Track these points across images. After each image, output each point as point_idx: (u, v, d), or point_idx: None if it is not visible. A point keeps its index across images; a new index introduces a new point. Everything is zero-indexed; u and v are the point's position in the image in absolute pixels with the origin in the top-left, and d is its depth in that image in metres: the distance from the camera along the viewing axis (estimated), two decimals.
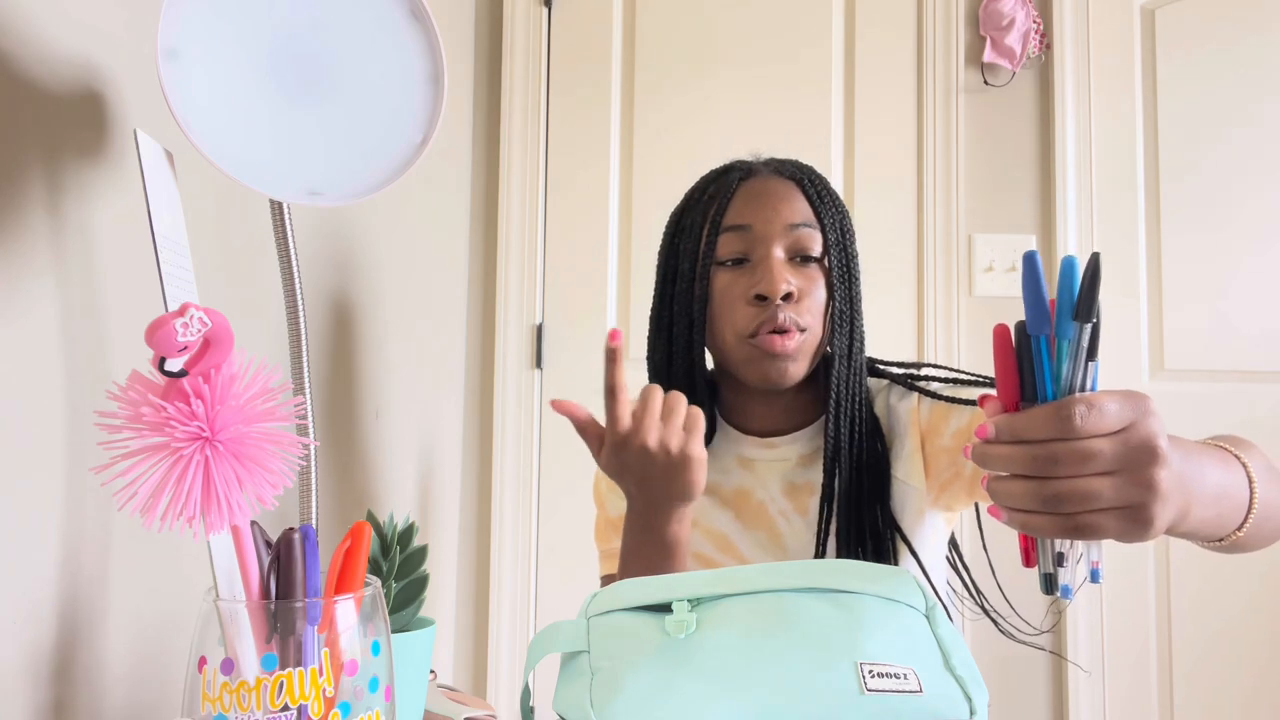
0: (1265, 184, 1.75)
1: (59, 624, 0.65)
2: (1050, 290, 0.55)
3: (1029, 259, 0.55)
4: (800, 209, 0.92)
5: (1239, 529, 0.64)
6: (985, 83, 1.79)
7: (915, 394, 0.96)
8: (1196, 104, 1.77)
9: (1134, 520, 0.51)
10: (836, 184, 1.79)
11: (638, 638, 0.57)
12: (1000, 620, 1.00)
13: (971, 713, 0.52)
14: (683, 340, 0.95)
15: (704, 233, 0.93)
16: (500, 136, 1.85)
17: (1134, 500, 0.51)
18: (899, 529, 0.93)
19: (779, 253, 0.91)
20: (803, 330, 0.90)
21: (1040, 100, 1.79)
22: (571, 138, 1.85)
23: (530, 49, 1.85)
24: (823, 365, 0.96)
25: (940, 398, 0.94)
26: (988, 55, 1.77)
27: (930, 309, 1.76)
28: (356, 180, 0.72)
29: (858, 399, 0.93)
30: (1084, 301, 0.52)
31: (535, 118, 1.84)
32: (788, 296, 0.89)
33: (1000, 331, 0.58)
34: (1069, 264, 0.52)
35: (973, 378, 0.96)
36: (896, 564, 0.93)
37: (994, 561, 1.08)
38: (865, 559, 0.91)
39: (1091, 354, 0.54)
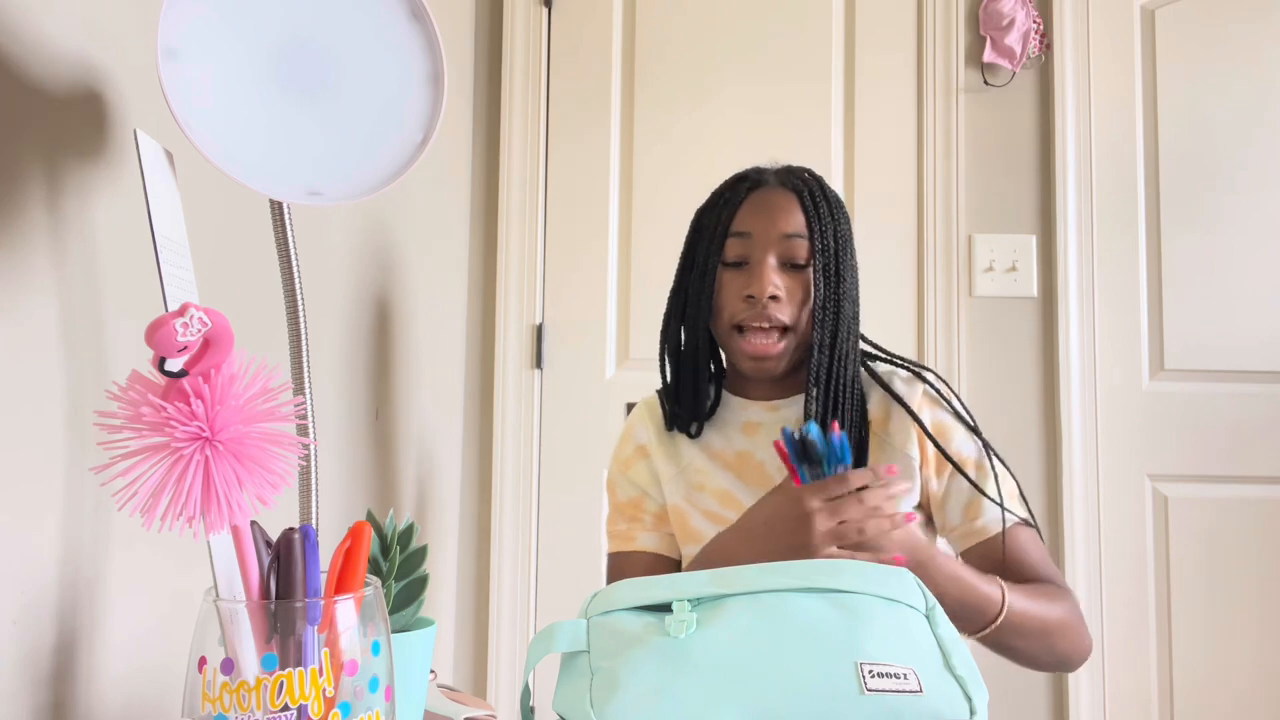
0: (1265, 184, 1.75)
1: (58, 624, 0.65)
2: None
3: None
4: (794, 220, 1.04)
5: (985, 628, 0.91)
6: (985, 83, 1.79)
7: (919, 384, 1.08)
8: (1196, 104, 1.77)
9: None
10: (836, 184, 1.79)
11: (638, 638, 0.57)
12: None
13: (972, 713, 0.52)
14: (692, 324, 1.08)
15: (714, 235, 1.06)
16: (500, 136, 1.85)
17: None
18: None
19: (772, 259, 1.03)
20: (785, 329, 1.04)
21: (1040, 100, 1.79)
22: (571, 138, 1.85)
23: (530, 49, 1.85)
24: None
25: (935, 443, 1.04)
26: (988, 55, 1.77)
27: (930, 309, 1.76)
28: (356, 180, 0.72)
29: (841, 382, 1.03)
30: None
31: (535, 118, 1.84)
32: (773, 298, 1.02)
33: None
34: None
35: (968, 421, 1.07)
36: None
37: None
38: None
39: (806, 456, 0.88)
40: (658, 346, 1.13)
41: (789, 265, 1.04)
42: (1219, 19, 1.77)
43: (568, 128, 1.85)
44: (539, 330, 1.83)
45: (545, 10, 1.86)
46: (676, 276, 1.12)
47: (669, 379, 1.12)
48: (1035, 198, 1.79)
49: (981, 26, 1.78)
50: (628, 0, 1.86)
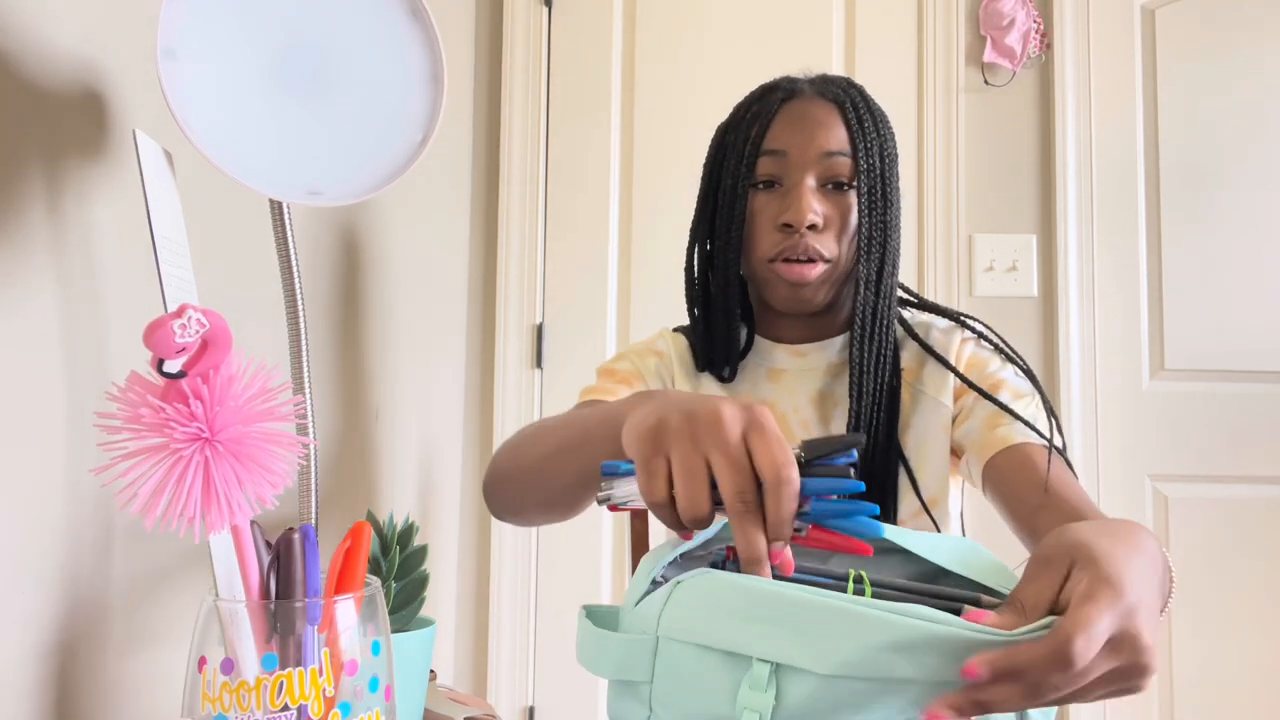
0: (1265, 184, 1.75)
1: (59, 624, 0.65)
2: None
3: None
4: (836, 136, 0.92)
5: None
6: (985, 83, 1.79)
7: (960, 331, 0.98)
8: (1196, 104, 1.77)
9: (1130, 691, 0.50)
10: None
11: (700, 713, 0.50)
12: None
13: None
14: (720, 257, 0.97)
15: (743, 154, 0.94)
16: (500, 136, 1.85)
17: (1129, 685, 0.49)
18: (903, 455, 0.94)
19: (810, 181, 0.92)
20: (826, 260, 0.92)
21: (1040, 100, 1.79)
22: (571, 137, 1.85)
23: (530, 49, 1.85)
24: (852, 286, 0.97)
25: (968, 383, 0.94)
26: (988, 55, 1.77)
27: None
28: (356, 179, 0.72)
29: (884, 322, 0.93)
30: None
31: (535, 118, 1.84)
32: (812, 226, 0.91)
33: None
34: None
35: (1010, 355, 0.97)
36: (895, 485, 0.94)
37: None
38: (872, 477, 0.92)
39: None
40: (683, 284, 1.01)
41: (829, 187, 0.93)
42: (1219, 19, 1.77)
43: (568, 127, 1.85)
44: (539, 330, 1.83)
45: (545, 10, 1.86)
46: (697, 206, 1.00)
47: (700, 323, 1.01)
48: (1035, 198, 1.79)
49: (981, 26, 1.78)
50: (628, 0, 1.86)
